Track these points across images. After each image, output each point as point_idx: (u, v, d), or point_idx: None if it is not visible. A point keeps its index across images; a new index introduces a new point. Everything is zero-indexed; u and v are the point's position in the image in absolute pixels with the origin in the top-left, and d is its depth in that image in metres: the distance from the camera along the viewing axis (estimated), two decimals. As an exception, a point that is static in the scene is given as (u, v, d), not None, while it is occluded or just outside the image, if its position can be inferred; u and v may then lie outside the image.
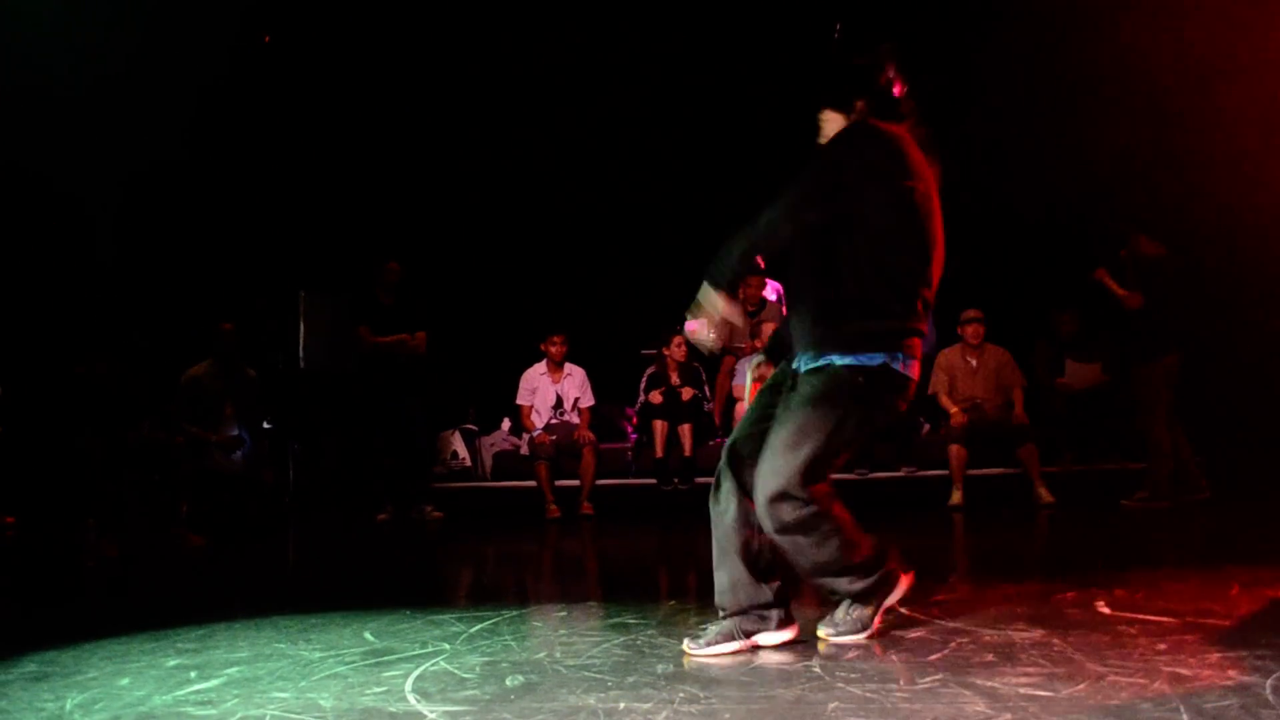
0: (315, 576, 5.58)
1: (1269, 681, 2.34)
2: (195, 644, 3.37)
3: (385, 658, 3.05)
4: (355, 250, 8.76)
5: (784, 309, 9.68)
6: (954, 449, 7.61)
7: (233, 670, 2.98)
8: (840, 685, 2.51)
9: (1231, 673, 2.44)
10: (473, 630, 3.40)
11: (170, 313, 8.30)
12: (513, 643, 3.21)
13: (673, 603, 3.98)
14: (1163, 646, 2.74)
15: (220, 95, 8.52)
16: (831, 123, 3.22)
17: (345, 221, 9.30)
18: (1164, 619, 3.10)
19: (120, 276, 8.27)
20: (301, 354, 8.76)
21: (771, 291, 9.64)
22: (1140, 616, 3.16)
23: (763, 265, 9.59)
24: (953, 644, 2.90)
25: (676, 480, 8.07)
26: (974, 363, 7.93)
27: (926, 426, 8.43)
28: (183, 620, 3.76)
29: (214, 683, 2.84)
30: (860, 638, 3.01)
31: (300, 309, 8.77)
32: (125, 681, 2.90)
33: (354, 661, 3.02)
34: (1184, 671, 2.47)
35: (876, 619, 3.07)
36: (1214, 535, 5.96)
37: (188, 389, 7.45)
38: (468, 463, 8.75)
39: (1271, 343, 7.70)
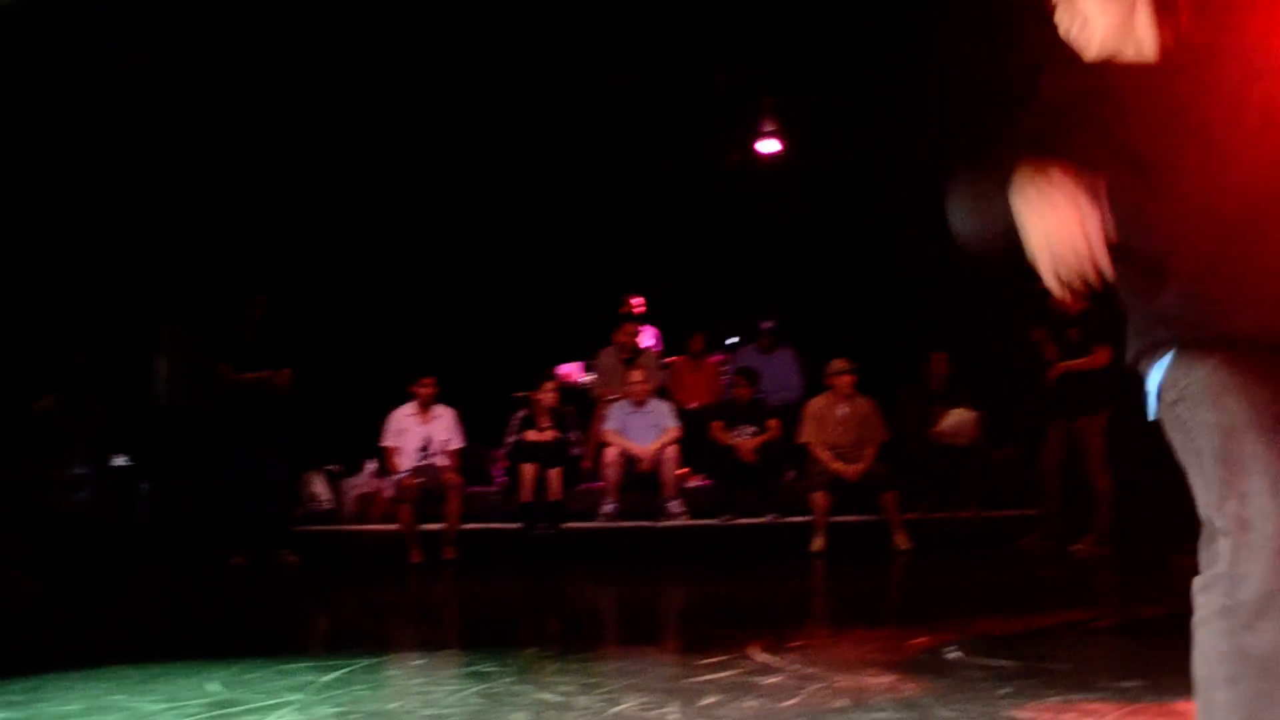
0: (160, 623, 5.34)
1: (1102, 725, 2.44)
2: (23, 696, 3.18)
3: (229, 710, 2.93)
4: (219, 283, 8.50)
5: (659, 355, 9.65)
6: (817, 496, 7.75)
7: (63, 724, 2.82)
8: (694, 733, 2.51)
9: (1068, 716, 2.53)
10: (325, 680, 3.30)
11: (16, 343, 7.91)
12: (365, 692, 3.13)
13: (533, 650, 3.93)
14: (1005, 690, 2.83)
15: (81, 118, 8.22)
16: None
17: (209, 253, 9.02)
18: (1008, 663, 3.20)
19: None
20: (157, 388, 8.45)
21: (649, 338, 9.73)
22: (986, 662, 3.25)
23: (641, 312, 9.70)
24: (807, 689, 2.94)
25: (543, 524, 8.01)
26: (843, 412, 8.10)
27: (791, 474, 8.58)
28: (11, 671, 3.54)
29: (41, 737, 2.69)
30: None
31: (158, 342, 8.47)
32: (-58, 737, 2.73)
33: (196, 714, 2.89)
34: (1024, 715, 2.55)
35: None
36: (1060, 583, 6.19)
37: (31, 424, 7.10)
38: (330, 505, 8.54)
39: None
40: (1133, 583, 5.65)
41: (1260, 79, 1.88)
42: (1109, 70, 1.97)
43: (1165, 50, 1.96)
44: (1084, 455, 7.35)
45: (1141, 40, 1.99)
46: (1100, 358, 7.25)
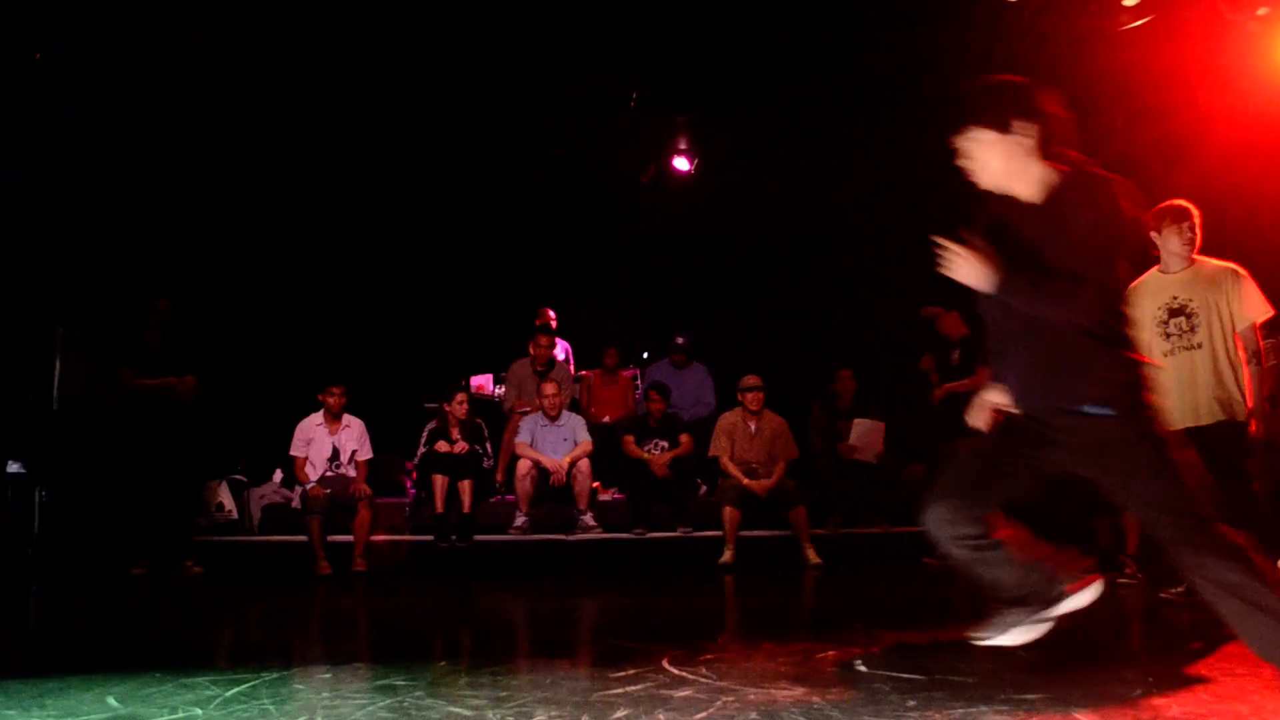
0: (56, 636, 5.17)
1: (1004, 736, 2.51)
2: (-92, 711, 3.06)
3: (129, 724, 2.85)
4: (121, 285, 8.27)
5: (571, 369, 9.71)
6: (727, 510, 7.82)
7: (-49, 740, 2.72)
8: (607, 746, 2.52)
9: (972, 728, 2.59)
10: (229, 694, 3.23)
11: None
12: (271, 706, 3.06)
13: (444, 664, 3.90)
14: (912, 703, 2.89)
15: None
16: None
17: (110, 255, 8.77)
18: (915, 676, 3.27)
19: None
20: (55, 393, 8.17)
21: (562, 351, 9.72)
22: (893, 674, 3.31)
23: (554, 325, 9.69)
24: (718, 703, 2.96)
25: (454, 537, 7.94)
26: (753, 428, 8.20)
27: (703, 489, 8.64)
28: (-105, 685, 3.40)
29: (-72, 754, 2.59)
30: None
31: (56, 345, 8.20)
32: None
33: (93, 728, 2.81)
34: (930, 728, 2.61)
35: None
36: (962, 599, 6.32)
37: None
38: (234, 515, 8.36)
39: None
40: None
41: (1101, 228, 2.75)
42: (990, 201, 2.97)
43: (1048, 189, 2.87)
44: None
45: (1032, 179, 2.88)
46: (981, 378, 7.49)
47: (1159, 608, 5.27)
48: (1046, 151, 2.86)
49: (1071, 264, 2.74)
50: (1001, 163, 2.88)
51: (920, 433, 8.25)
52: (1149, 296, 5.29)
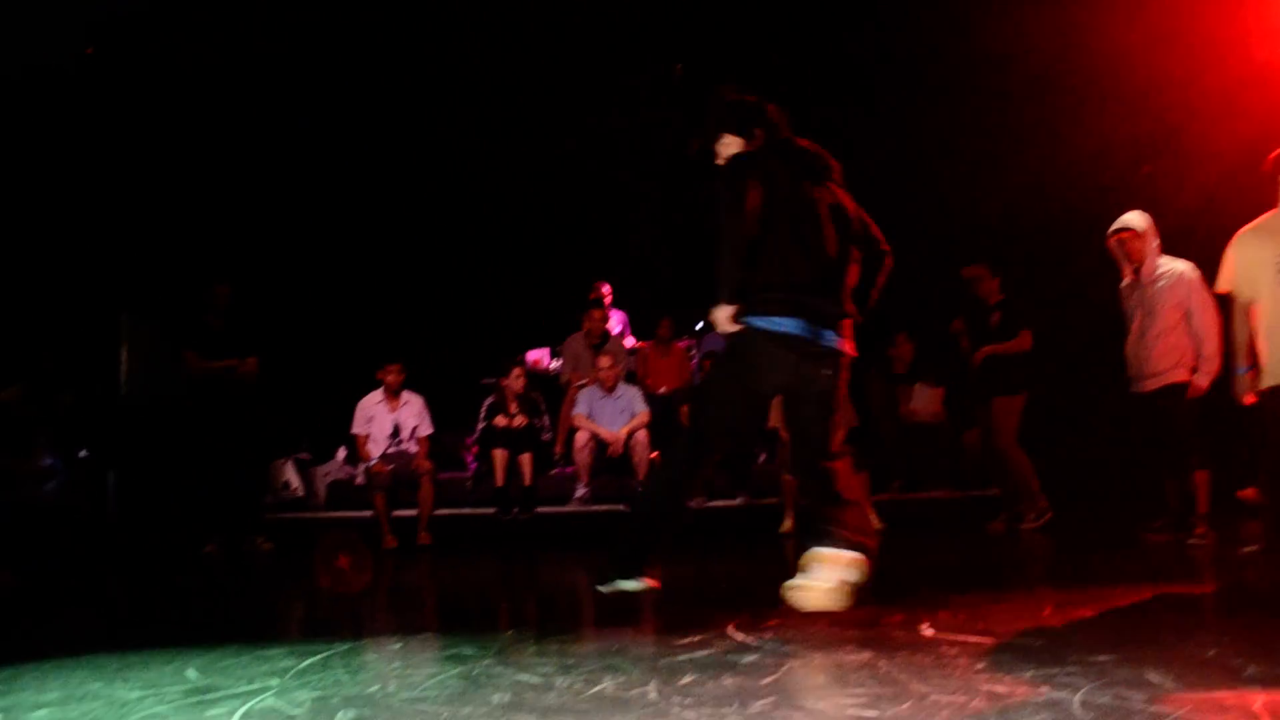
0: (135, 612, 5.31)
1: (1076, 697, 2.48)
2: (-1, 686, 3.16)
3: (208, 695, 2.92)
4: (183, 271, 8.42)
5: (625, 342, 9.75)
6: (787, 478, 7.80)
7: (41, 713, 2.80)
8: (675, 710, 2.53)
9: (1043, 689, 2.57)
10: (303, 665, 3.30)
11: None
12: (344, 676, 3.12)
13: (510, 633, 3.94)
14: (981, 666, 2.87)
15: (41, 108, 8.10)
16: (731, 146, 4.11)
17: (172, 241, 8.93)
18: (983, 640, 3.24)
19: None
20: (122, 379, 8.36)
21: (617, 324, 9.74)
22: (961, 638, 3.29)
23: (609, 300, 9.70)
24: (785, 667, 2.96)
25: (516, 509, 8.02)
26: (810, 395, 8.14)
27: (763, 456, 8.63)
28: (-15, 661, 3.52)
29: (19, 727, 2.67)
30: None
31: (122, 331, 8.37)
32: (-82, 728, 2.70)
33: (174, 700, 2.88)
34: (1000, 689, 2.59)
35: None
36: (1030, 560, 6.27)
37: (-5, 415, 7.03)
38: (301, 492, 8.51)
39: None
40: (1101, 559, 5.74)
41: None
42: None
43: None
44: (996, 433, 7.53)
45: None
46: (1024, 341, 7.45)
47: (1231, 567, 5.19)
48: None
49: None
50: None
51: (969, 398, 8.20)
52: (1269, 240, 5.11)
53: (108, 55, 8.69)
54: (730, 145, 4.12)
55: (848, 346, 3.95)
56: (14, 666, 3.43)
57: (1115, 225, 6.38)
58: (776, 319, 3.77)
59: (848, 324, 4.00)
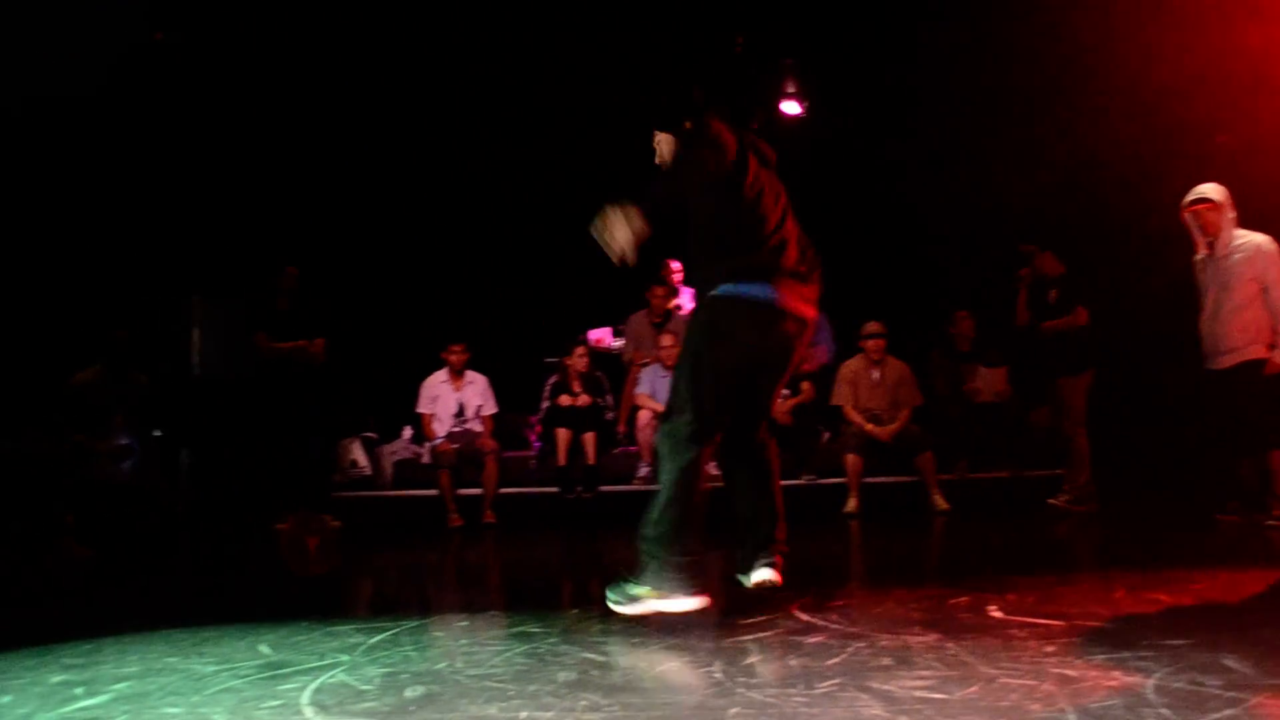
0: (208, 588, 5.44)
1: (1150, 682, 2.44)
2: (82, 659, 3.25)
3: (281, 670, 2.99)
4: (252, 254, 8.56)
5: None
6: (850, 458, 7.76)
7: (121, 686, 2.88)
8: (741, 690, 2.53)
9: (1116, 674, 2.53)
10: (372, 641, 3.35)
11: (57, 317, 8.01)
12: (413, 653, 3.17)
13: (576, 611, 3.97)
14: (1051, 649, 2.83)
15: (112, 93, 8.27)
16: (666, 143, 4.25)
17: (241, 225, 9.08)
18: (1053, 622, 3.20)
19: (3, 279, 7.96)
20: (195, 360, 8.53)
21: (689, 300, 9.70)
22: (1030, 620, 3.25)
23: (679, 278, 9.67)
24: (850, 649, 2.95)
25: (580, 489, 8.06)
26: (876, 376, 8.08)
27: (826, 435, 8.57)
28: (68, 634, 3.62)
29: (101, 699, 2.75)
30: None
31: (194, 314, 8.55)
32: (7, 699, 2.79)
33: (249, 675, 2.95)
34: (1071, 673, 2.55)
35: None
36: (1100, 542, 6.17)
37: (74, 396, 7.21)
38: (368, 471, 8.62)
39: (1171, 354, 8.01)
40: (1174, 542, 5.63)
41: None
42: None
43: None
44: (1064, 413, 7.41)
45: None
46: (1080, 317, 7.32)
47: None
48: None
49: None
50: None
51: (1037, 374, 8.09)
52: None
53: (176, 39, 8.83)
54: (663, 143, 4.28)
55: (809, 310, 3.98)
56: (94, 640, 3.53)
57: (1190, 196, 6.20)
58: (744, 285, 3.84)
59: (811, 289, 4.05)
